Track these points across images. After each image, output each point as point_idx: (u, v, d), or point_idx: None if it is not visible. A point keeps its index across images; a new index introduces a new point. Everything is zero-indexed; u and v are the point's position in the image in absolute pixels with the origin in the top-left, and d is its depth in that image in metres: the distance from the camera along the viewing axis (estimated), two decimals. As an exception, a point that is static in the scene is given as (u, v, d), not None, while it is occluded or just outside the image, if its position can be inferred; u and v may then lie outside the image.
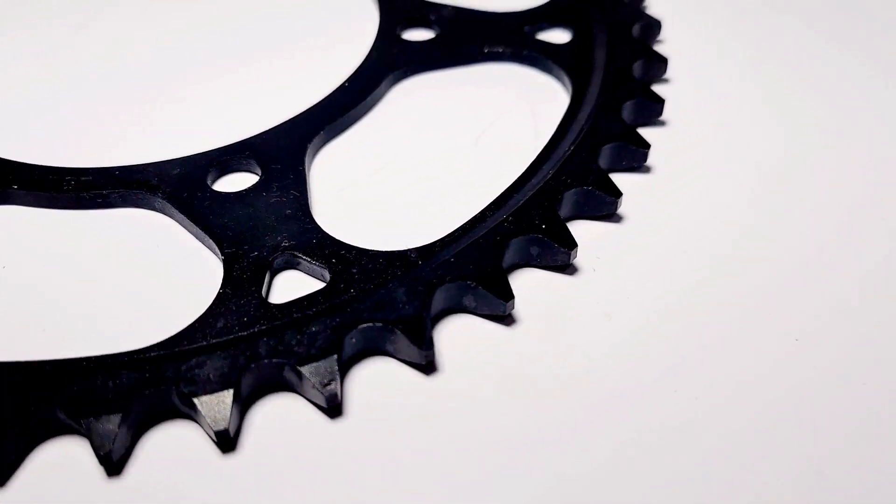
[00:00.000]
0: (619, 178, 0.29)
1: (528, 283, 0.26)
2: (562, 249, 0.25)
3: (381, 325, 0.23)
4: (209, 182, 0.28)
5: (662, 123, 0.31)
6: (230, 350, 0.23)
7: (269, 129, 0.30)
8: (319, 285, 0.25)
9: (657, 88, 0.33)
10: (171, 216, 0.28)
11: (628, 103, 0.30)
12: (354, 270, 0.25)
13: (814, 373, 0.23)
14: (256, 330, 0.23)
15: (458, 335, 0.24)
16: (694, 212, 0.28)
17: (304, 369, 0.22)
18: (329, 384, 0.22)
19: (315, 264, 0.25)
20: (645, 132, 0.31)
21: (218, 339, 0.23)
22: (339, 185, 0.29)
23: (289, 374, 0.23)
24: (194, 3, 0.40)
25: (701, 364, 0.23)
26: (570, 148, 0.28)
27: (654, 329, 0.24)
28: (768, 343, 0.24)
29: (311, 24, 0.38)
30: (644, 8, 0.38)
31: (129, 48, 0.37)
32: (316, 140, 0.30)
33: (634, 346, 0.24)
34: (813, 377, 0.23)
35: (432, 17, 0.36)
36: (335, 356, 0.22)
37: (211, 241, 0.26)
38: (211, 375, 0.22)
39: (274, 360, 0.22)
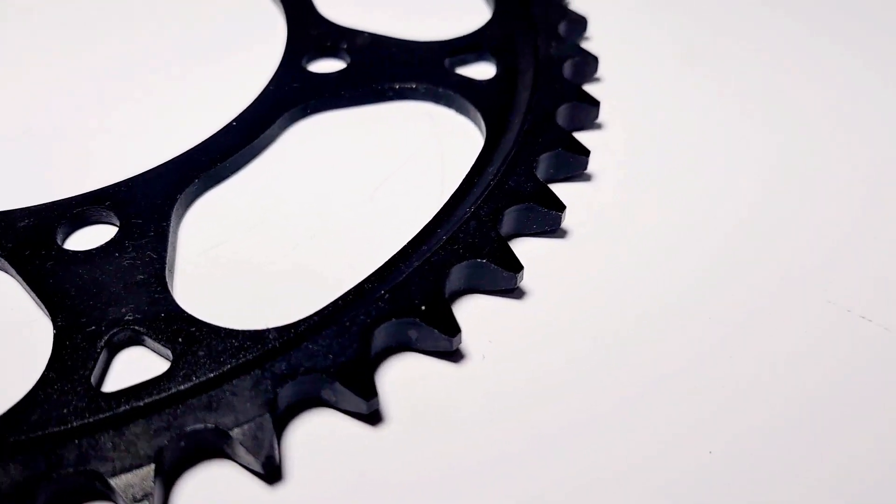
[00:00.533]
0: (526, 245, 0.26)
1: (402, 372, 0.23)
2: (443, 336, 0.22)
3: (213, 427, 0.20)
4: (59, 237, 0.26)
5: (588, 178, 0.29)
6: (33, 454, 0.20)
7: (137, 176, 0.27)
8: (166, 366, 0.23)
9: (587, 136, 0.30)
10: (12, 276, 0.25)
11: (546, 155, 0.27)
12: (201, 353, 0.22)
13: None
14: (72, 426, 0.20)
15: (314, 435, 0.22)
16: (611, 286, 0.25)
17: (116, 482, 0.19)
18: (142, 500, 0.19)
19: (159, 343, 0.23)
20: (566, 188, 0.28)
21: (26, 437, 0.20)
22: (208, 245, 0.26)
23: (99, 486, 0.20)
24: (64, 18, 0.37)
25: (591, 486, 0.20)
26: (469, 210, 0.25)
27: (549, 436, 0.21)
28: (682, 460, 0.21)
29: (206, 50, 0.35)
30: (584, 39, 0.35)
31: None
32: (189, 189, 0.27)
33: (523, 455, 0.21)
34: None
35: (343, 46, 0.33)
36: (154, 465, 0.20)
37: (47, 310, 0.24)
38: (4, 487, 0.19)
39: (81, 469, 0.19)
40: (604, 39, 0.35)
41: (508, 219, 0.26)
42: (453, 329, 0.22)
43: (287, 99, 0.30)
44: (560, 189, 0.28)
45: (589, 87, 0.32)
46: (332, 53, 0.33)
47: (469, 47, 0.33)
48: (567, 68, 0.31)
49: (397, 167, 0.29)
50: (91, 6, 0.38)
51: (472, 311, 0.24)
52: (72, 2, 0.38)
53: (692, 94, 0.33)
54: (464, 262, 0.24)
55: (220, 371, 0.21)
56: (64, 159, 0.29)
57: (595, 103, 0.30)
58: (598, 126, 0.31)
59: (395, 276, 0.24)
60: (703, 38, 0.36)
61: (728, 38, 0.36)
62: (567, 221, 0.27)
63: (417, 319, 0.22)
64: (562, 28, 0.33)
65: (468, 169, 0.28)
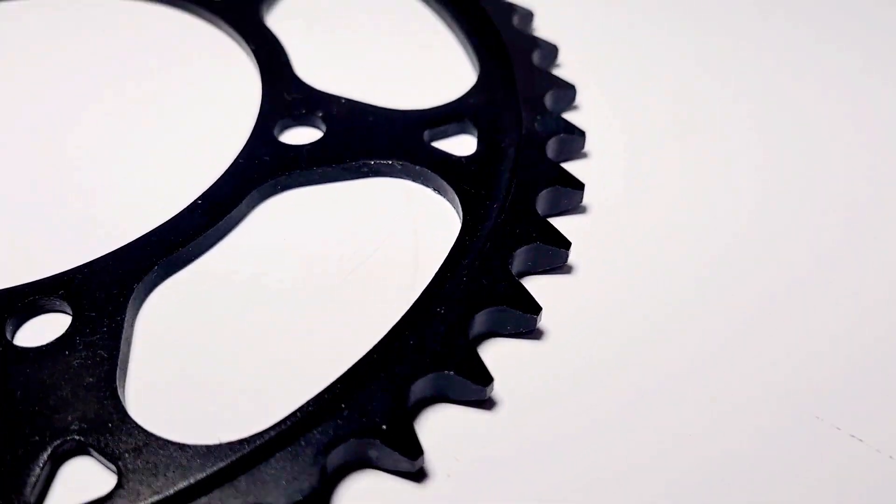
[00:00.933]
0: (500, 347, 0.25)
1: (361, 490, 0.22)
2: (404, 458, 0.22)
3: (151, 567, 0.19)
4: (8, 331, 0.25)
5: (569, 269, 0.28)
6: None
7: (93, 261, 0.27)
8: (112, 482, 0.22)
9: (569, 221, 0.29)
10: (-44, 373, 0.24)
11: (523, 248, 0.26)
12: (147, 472, 0.21)
13: None
14: (3, 559, 0.20)
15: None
16: (589, 394, 0.24)
17: None
18: None
19: (104, 457, 0.22)
20: (545, 282, 0.27)
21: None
22: (166, 341, 0.25)
23: None
24: (19, 78, 0.36)
25: None
26: (440, 311, 0.24)
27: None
28: None
29: (172, 114, 0.34)
30: (572, 108, 0.34)
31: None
32: (148, 277, 0.26)
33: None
34: None
35: (319, 114, 0.32)
36: None
37: (-13, 417, 0.23)
38: None
39: None
40: (592, 108, 0.34)
41: (481, 320, 0.25)
42: (415, 451, 0.22)
43: (257, 174, 0.30)
44: (538, 283, 0.27)
45: (575, 164, 0.31)
46: (307, 121, 0.32)
47: (450, 117, 0.32)
48: (552, 145, 0.30)
49: (368, 254, 0.28)
50: (50, 63, 0.37)
51: (439, 423, 0.24)
52: (27, 60, 0.37)
53: (685, 172, 0.32)
54: (429, 375, 0.23)
55: (165, 495, 0.21)
56: (12, 239, 0.29)
57: (579, 186, 0.29)
58: (583, 209, 0.30)
59: (356, 386, 0.23)
60: (699, 106, 0.35)
61: (726, 108, 0.35)
62: (544, 321, 0.26)
63: (377, 441, 0.22)
64: (548, 98, 0.32)
65: (443, 257, 0.27)
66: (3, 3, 0.40)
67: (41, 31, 0.39)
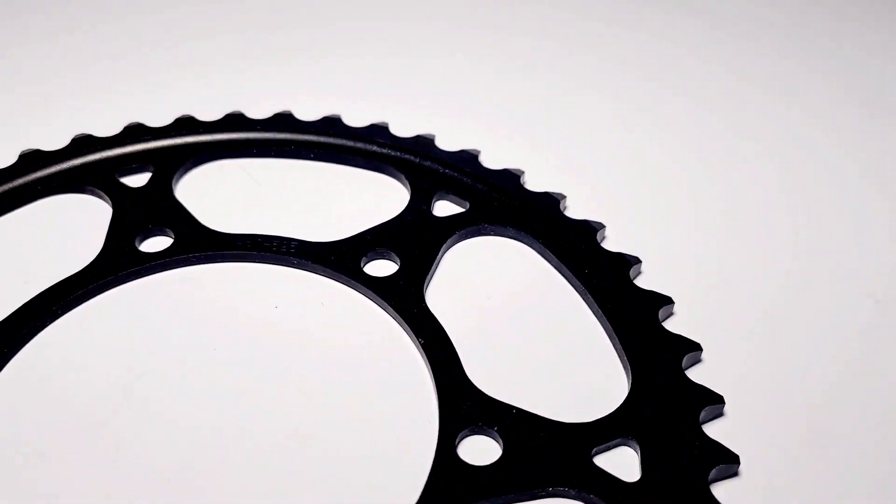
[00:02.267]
0: None
1: None
2: None
3: None
4: None
5: None
6: None
7: None
8: None
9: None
10: None
11: None
12: None
13: None
14: None
15: None
16: None
17: None
18: None
19: None
20: None
21: None
22: None
23: None
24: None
25: None
26: None
27: None
28: None
29: (354, 432, 0.38)
30: (720, 415, 0.38)
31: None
32: None
33: None
34: None
35: (495, 428, 0.36)
36: None
37: None
38: None
39: None
40: (737, 413, 0.38)
41: None
42: None
43: (449, 501, 0.34)
44: None
45: (727, 488, 0.36)
46: (484, 433, 0.37)
47: (613, 433, 0.36)
48: (713, 475, 0.35)
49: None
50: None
51: None
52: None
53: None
54: None
55: None
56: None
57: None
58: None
59: None
60: (834, 414, 0.39)
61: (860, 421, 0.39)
62: None
63: None
64: (703, 414, 0.37)
65: None
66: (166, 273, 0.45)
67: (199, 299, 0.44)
